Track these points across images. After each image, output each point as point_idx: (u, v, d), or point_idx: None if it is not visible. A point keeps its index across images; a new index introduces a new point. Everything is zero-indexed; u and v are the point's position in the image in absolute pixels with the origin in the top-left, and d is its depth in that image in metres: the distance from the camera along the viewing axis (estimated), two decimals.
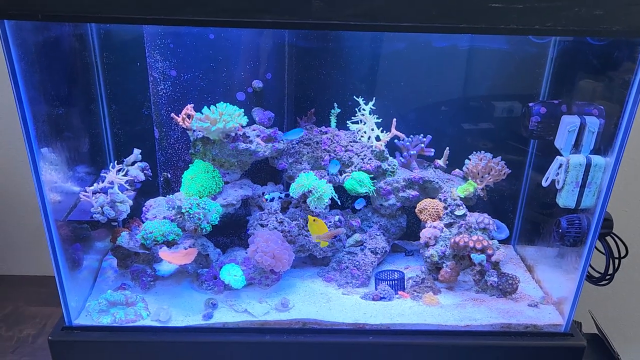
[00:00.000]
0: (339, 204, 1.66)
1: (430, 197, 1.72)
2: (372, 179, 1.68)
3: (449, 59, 1.71)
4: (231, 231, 1.74)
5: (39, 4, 1.09)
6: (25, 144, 1.25)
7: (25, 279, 2.17)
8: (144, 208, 1.63)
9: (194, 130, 1.58)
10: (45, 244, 2.07)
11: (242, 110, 1.55)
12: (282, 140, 1.64)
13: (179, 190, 1.65)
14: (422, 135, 1.73)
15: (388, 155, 1.71)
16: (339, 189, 1.68)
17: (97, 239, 1.71)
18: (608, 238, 1.55)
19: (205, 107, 1.53)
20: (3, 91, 1.87)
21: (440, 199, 1.70)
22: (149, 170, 1.66)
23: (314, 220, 1.53)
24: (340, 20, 1.12)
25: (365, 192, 1.66)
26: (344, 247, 1.71)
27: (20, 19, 1.14)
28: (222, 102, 1.54)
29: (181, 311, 1.52)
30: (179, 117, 1.58)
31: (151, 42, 1.57)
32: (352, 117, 1.70)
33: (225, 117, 1.50)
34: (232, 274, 1.56)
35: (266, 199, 1.62)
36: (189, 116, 1.58)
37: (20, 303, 2.03)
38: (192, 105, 1.57)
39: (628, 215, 2.03)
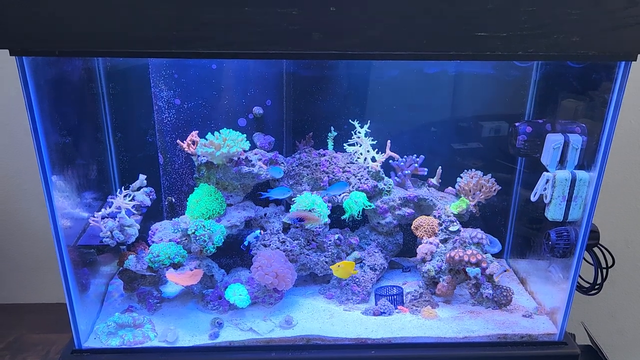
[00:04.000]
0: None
1: (425, 215, 1.79)
2: (369, 198, 1.75)
3: (440, 84, 1.79)
4: (234, 252, 1.79)
5: (55, 42, 1.16)
6: (40, 172, 1.31)
7: (28, 307, 2.19)
8: (149, 231, 1.68)
9: (199, 156, 1.65)
10: (47, 272, 2.12)
11: (245, 135, 1.62)
12: (326, 195, 1.70)
13: (182, 214, 1.71)
14: (415, 155, 1.81)
15: (384, 175, 1.78)
16: (338, 208, 1.75)
17: (103, 263, 1.75)
18: (595, 249, 1.62)
19: (209, 133, 1.60)
20: (7, 124, 1.92)
21: (434, 216, 1.77)
22: (154, 194, 1.72)
23: (338, 266, 1.60)
24: (338, 50, 1.20)
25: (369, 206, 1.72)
26: None
27: (39, 55, 1.21)
28: (225, 128, 1.61)
29: (188, 331, 1.56)
30: (184, 143, 1.65)
31: (156, 72, 1.64)
32: (349, 140, 1.77)
33: (228, 142, 1.57)
34: (237, 293, 1.60)
35: (245, 245, 1.68)
36: (193, 142, 1.64)
37: (23, 331, 2.04)
38: (197, 131, 1.64)
39: (614, 227, 2.10)
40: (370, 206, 1.72)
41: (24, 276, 2.17)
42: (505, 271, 1.70)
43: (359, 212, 1.71)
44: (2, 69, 1.74)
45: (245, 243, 1.67)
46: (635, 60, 1.25)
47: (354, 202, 1.70)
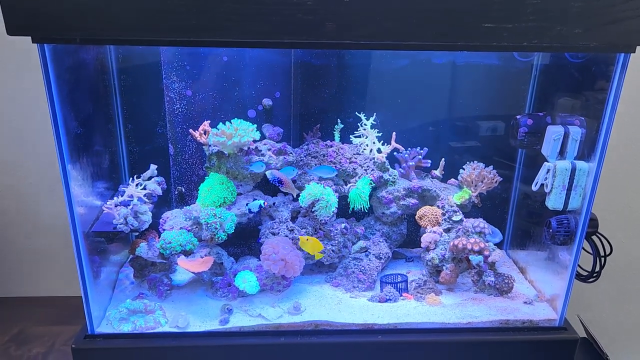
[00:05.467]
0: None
1: (428, 205, 1.84)
2: (374, 188, 1.79)
3: (444, 78, 1.84)
4: (242, 241, 1.82)
5: (76, 29, 1.19)
6: (58, 161, 1.33)
7: (31, 300, 2.20)
8: (161, 220, 1.71)
9: (210, 145, 1.68)
10: (51, 265, 2.13)
11: (255, 125, 1.66)
12: (310, 174, 1.75)
13: (192, 203, 1.74)
14: (419, 147, 1.85)
15: (389, 167, 1.83)
16: (343, 197, 1.78)
17: (114, 251, 1.78)
18: (594, 237, 1.67)
19: (221, 123, 1.64)
20: (11, 119, 1.94)
21: (438, 206, 1.82)
22: (165, 184, 1.75)
23: (307, 239, 1.64)
24: (350, 40, 1.24)
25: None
26: (350, 254, 1.80)
27: (60, 43, 1.24)
28: (236, 119, 1.65)
29: (198, 317, 1.58)
30: (196, 132, 1.68)
31: (168, 64, 1.68)
32: (355, 132, 1.82)
33: (240, 131, 1.60)
34: (246, 280, 1.63)
35: (250, 209, 1.69)
36: (205, 132, 1.68)
37: (28, 323, 2.05)
38: (209, 121, 1.68)
39: (612, 220, 2.14)
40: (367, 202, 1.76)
41: (28, 269, 2.18)
42: None
43: (363, 205, 1.75)
44: (3, 63, 1.77)
45: (247, 208, 1.68)
46: (634, 52, 1.30)
47: (359, 196, 1.74)
